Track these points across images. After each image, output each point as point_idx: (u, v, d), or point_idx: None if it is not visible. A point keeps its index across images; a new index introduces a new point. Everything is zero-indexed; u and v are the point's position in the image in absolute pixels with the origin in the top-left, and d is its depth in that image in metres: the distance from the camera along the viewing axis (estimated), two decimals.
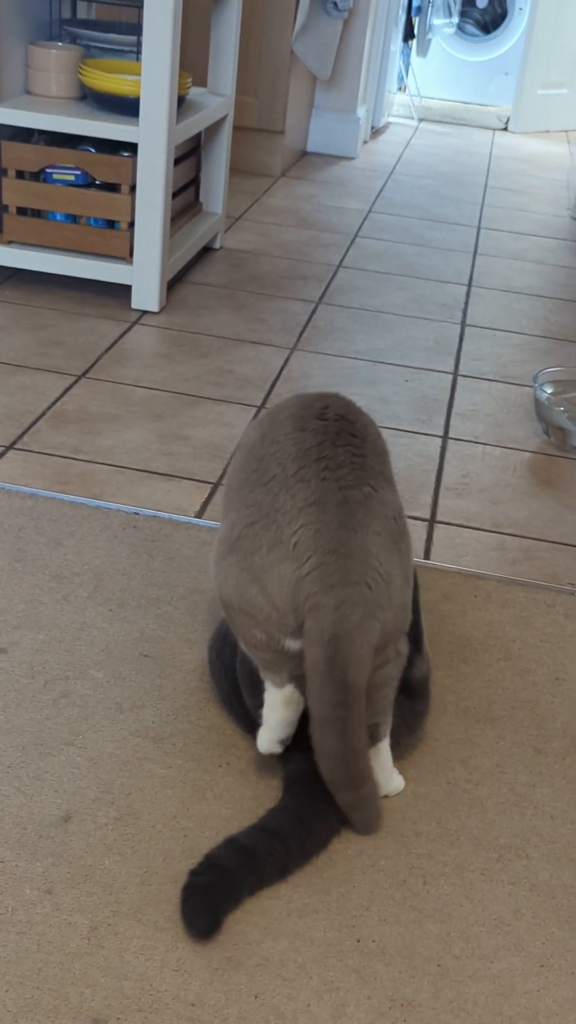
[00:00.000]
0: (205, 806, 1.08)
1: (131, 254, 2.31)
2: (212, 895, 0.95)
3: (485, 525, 1.66)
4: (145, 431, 1.83)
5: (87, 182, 2.28)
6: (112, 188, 2.28)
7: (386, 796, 1.11)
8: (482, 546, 1.60)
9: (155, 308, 2.35)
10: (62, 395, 1.93)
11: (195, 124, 2.40)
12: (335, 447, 1.01)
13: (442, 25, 5.70)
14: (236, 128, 3.78)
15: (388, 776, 1.11)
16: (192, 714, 1.20)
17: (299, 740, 1.06)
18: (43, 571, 1.41)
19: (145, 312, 2.36)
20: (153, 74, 2.13)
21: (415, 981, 0.93)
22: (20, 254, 2.33)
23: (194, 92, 2.66)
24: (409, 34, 5.26)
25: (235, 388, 2.04)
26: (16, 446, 1.73)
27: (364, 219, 3.39)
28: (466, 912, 1.00)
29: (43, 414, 1.85)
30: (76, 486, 1.63)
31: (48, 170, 2.27)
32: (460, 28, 5.98)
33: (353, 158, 4.33)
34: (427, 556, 1.55)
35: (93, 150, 2.28)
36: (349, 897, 1.00)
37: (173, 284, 2.56)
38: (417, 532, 1.61)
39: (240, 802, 1.09)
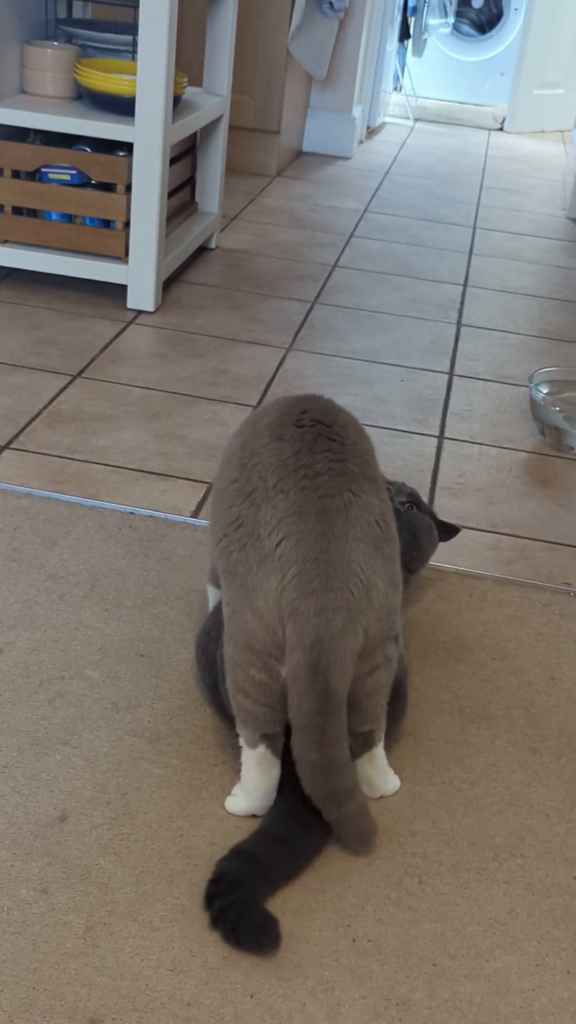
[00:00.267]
0: (201, 806, 1.08)
1: (127, 254, 2.31)
2: (256, 911, 0.94)
3: (481, 525, 1.66)
4: (141, 431, 1.83)
5: (83, 182, 2.28)
6: (108, 188, 2.28)
7: (382, 796, 1.11)
8: (478, 546, 1.60)
9: (151, 308, 2.35)
10: (58, 395, 1.93)
11: (191, 124, 2.40)
12: (313, 454, 1.01)
13: (438, 25, 5.71)
14: (232, 128, 3.78)
15: (384, 778, 1.11)
16: (188, 714, 1.20)
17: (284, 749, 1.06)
18: (39, 571, 1.41)
19: (141, 312, 2.36)
20: (149, 74, 2.13)
21: (410, 980, 0.93)
22: (16, 254, 2.33)
23: (190, 92, 2.66)
24: (405, 34, 5.26)
25: (231, 388, 2.04)
26: (12, 446, 1.73)
27: (360, 219, 3.39)
28: (461, 911, 1.00)
29: (39, 414, 1.85)
30: (72, 486, 1.63)
31: (44, 170, 2.27)
32: (456, 28, 5.98)
33: (349, 158, 4.34)
34: None
35: (89, 150, 2.28)
36: (345, 897, 1.00)
37: (169, 284, 2.56)
38: None
39: None
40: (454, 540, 1.59)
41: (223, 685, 1.11)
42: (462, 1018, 0.90)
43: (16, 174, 2.27)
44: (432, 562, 1.53)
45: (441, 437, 1.95)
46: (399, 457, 1.84)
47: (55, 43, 2.38)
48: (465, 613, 1.43)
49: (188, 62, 3.52)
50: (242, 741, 1.06)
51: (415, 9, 5.25)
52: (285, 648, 0.97)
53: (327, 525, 0.98)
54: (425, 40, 5.55)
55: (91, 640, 1.30)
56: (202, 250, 2.85)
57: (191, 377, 2.07)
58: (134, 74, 2.26)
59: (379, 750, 1.08)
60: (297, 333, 2.36)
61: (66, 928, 0.94)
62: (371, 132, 4.92)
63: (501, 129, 5.51)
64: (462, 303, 2.70)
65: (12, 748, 1.12)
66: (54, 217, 2.31)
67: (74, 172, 2.27)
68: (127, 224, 2.29)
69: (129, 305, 2.35)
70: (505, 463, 1.87)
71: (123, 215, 2.27)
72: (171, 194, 2.51)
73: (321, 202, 3.55)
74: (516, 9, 5.84)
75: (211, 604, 1.25)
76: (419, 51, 5.53)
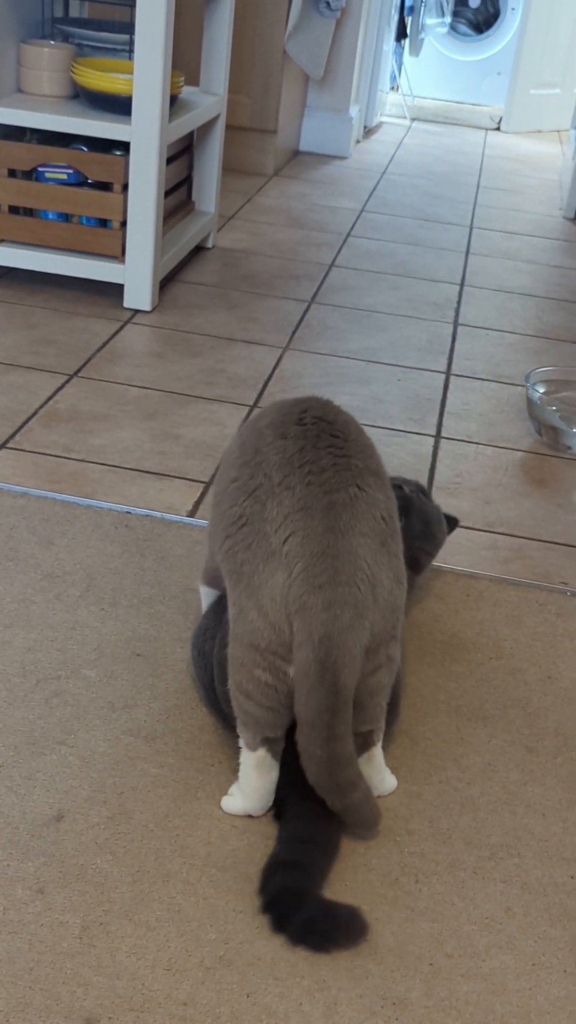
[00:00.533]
0: (197, 805, 1.08)
1: (123, 253, 2.31)
2: (337, 909, 0.95)
3: (477, 524, 1.66)
4: (137, 430, 1.83)
5: (79, 181, 2.28)
6: (104, 187, 2.27)
7: (379, 796, 1.11)
8: (474, 545, 1.60)
9: (147, 307, 2.35)
10: (54, 394, 1.93)
11: (187, 123, 2.40)
12: (317, 450, 1.01)
13: (435, 25, 5.71)
14: (229, 127, 3.77)
15: (381, 777, 1.11)
16: (184, 713, 1.20)
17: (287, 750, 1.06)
18: (35, 570, 1.41)
19: (137, 311, 2.36)
20: (145, 73, 2.12)
21: (407, 980, 0.93)
22: (12, 253, 2.33)
23: (186, 91, 2.66)
24: (402, 34, 5.26)
25: (228, 387, 2.04)
26: (8, 445, 1.73)
27: (357, 218, 3.39)
28: (458, 911, 1.00)
29: (35, 413, 1.85)
30: (68, 485, 1.63)
31: (40, 169, 2.27)
32: (453, 28, 5.98)
33: (346, 157, 4.34)
34: None
35: (85, 149, 2.28)
36: (341, 896, 1.00)
37: (165, 283, 2.56)
38: None
39: None
40: (451, 539, 1.59)
41: (220, 686, 1.11)
42: (459, 1017, 0.90)
43: (12, 173, 2.27)
44: None
45: (438, 437, 1.95)
46: (396, 457, 1.84)
47: (52, 42, 2.38)
48: (462, 612, 1.43)
49: (185, 61, 3.52)
50: (242, 743, 1.06)
51: (412, 8, 5.25)
52: (292, 645, 0.97)
53: (334, 520, 0.97)
54: (422, 40, 5.56)
55: (87, 639, 1.30)
56: (199, 249, 2.85)
57: (188, 376, 2.07)
58: (131, 73, 2.26)
59: (377, 750, 1.08)
60: (294, 333, 2.36)
61: (62, 927, 0.94)
62: (368, 132, 4.92)
63: (498, 129, 5.51)
64: (459, 303, 2.70)
65: (8, 747, 1.12)
66: (51, 216, 2.31)
67: (71, 171, 2.26)
68: (124, 223, 2.29)
69: (126, 304, 2.35)
70: (502, 462, 1.87)
71: (120, 214, 2.27)
72: (168, 193, 2.51)
73: (318, 202, 3.55)
74: (513, 9, 5.84)
75: (204, 604, 1.24)
76: (416, 51, 5.53)
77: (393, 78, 5.50)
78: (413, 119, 5.52)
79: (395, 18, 5.04)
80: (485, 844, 1.07)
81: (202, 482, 1.69)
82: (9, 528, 1.50)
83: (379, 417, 1.99)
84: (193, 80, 3.50)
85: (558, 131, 5.64)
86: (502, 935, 0.98)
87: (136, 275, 2.32)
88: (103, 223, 2.30)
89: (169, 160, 2.47)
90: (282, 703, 1.01)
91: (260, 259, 2.85)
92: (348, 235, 3.19)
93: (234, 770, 1.11)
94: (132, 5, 2.14)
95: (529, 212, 3.77)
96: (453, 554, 1.57)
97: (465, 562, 1.55)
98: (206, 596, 1.24)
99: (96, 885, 0.98)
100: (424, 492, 1.40)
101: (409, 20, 5.27)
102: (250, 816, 1.07)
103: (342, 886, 1.01)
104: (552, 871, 1.05)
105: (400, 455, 1.85)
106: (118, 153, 2.26)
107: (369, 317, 2.51)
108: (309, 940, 0.94)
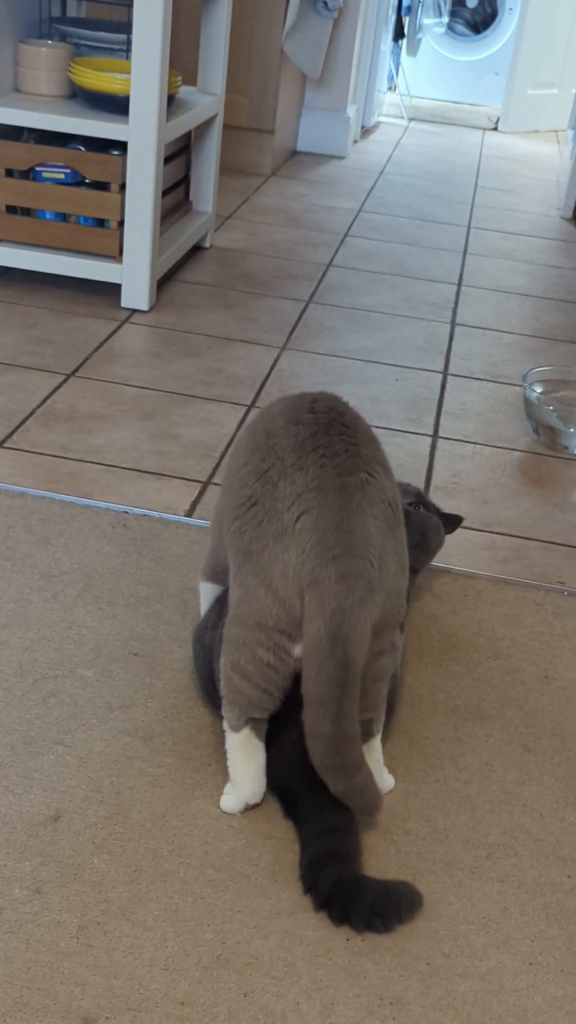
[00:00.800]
0: (194, 804, 1.08)
1: (121, 253, 2.31)
2: (397, 886, 0.98)
3: (475, 524, 1.66)
4: (135, 430, 1.83)
5: (77, 180, 2.28)
6: (102, 187, 2.27)
7: None
8: (472, 545, 1.60)
9: (145, 307, 2.35)
10: (52, 394, 1.93)
11: (185, 123, 2.40)
12: (329, 436, 1.03)
13: (432, 25, 5.71)
14: (226, 127, 3.77)
15: (380, 773, 1.11)
16: (182, 713, 1.20)
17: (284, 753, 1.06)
18: (32, 570, 1.41)
19: (135, 311, 2.36)
20: (143, 72, 2.12)
21: (404, 979, 0.93)
22: (10, 253, 2.33)
23: (184, 91, 2.66)
24: (399, 33, 5.26)
25: (225, 387, 2.04)
26: (6, 445, 1.73)
27: (354, 218, 3.39)
28: (455, 910, 1.00)
29: (33, 413, 1.85)
30: (66, 485, 1.63)
31: (38, 168, 2.27)
32: (450, 28, 5.99)
33: (343, 157, 4.34)
34: None
35: (83, 148, 2.28)
36: None
37: (163, 283, 2.56)
38: None
39: None
40: (449, 539, 1.59)
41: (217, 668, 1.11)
42: (456, 1016, 0.90)
43: (10, 173, 2.27)
44: None
45: (435, 436, 1.95)
46: (394, 456, 1.84)
47: (49, 42, 2.38)
48: (459, 612, 1.43)
49: (182, 61, 3.52)
50: (225, 725, 1.07)
51: (410, 8, 5.25)
52: (303, 620, 0.98)
53: (346, 499, 0.99)
54: (419, 40, 5.56)
55: (85, 639, 1.30)
56: (196, 249, 2.85)
57: (185, 376, 2.07)
58: (128, 73, 2.26)
59: (376, 742, 1.09)
60: (292, 332, 2.36)
61: (59, 927, 0.94)
62: (365, 132, 4.92)
63: (495, 129, 5.51)
64: (456, 302, 2.70)
65: (5, 747, 1.12)
66: (48, 216, 2.31)
67: (68, 171, 2.26)
68: (121, 223, 2.28)
69: (123, 304, 2.35)
70: (499, 462, 1.87)
71: (117, 214, 2.27)
72: (165, 193, 2.51)
73: (316, 201, 3.55)
74: (511, 9, 5.84)
75: (203, 603, 1.24)
76: (413, 51, 5.53)
77: (390, 78, 5.50)
78: (410, 119, 5.52)
79: (392, 18, 5.04)
80: (482, 843, 1.07)
81: (200, 482, 1.69)
82: (6, 528, 1.50)
83: (376, 417, 1.99)
84: (191, 80, 3.50)
85: (555, 131, 5.65)
86: (499, 934, 0.98)
87: (134, 275, 2.32)
88: (100, 223, 2.30)
89: (167, 160, 2.47)
90: (277, 685, 1.02)
91: (258, 259, 2.85)
92: (346, 235, 3.19)
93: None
94: (129, 5, 2.14)
95: (526, 212, 3.77)
96: (451, 554, 1.57)
97: (463, 562, 1.55)
98: (205, 594, 1.24)
99: (93, 885, 0.98)
100: (423, 501, 1.40)
101: (407, 20, 5.27)
102: (248, 807, 1.07)
103: None
104: (549, 870, 1.05)
105: (398, 455, 1.85)
106: (115, 153, 2.26)
107: (367, 317, 2.52)
108: (377, 924, 0.96)
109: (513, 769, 1.17)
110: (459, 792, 1.13)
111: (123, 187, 2.26)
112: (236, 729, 1.06)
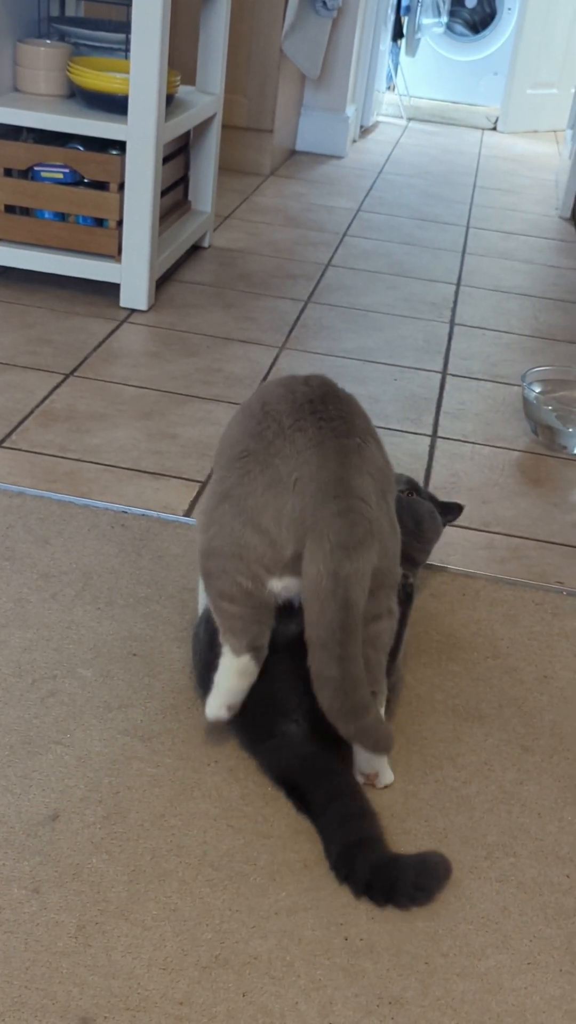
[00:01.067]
0: (193, 804, 1.08)
1: (120, 252, 2.31)
2: (427, 857, 1.01)
3: (474, 524, 1.66)
4: (134, 430, 1.83)
5: (76, 180, 2.28)
6: (101, 186, 2.27)
7: (378, 787, 1.11)
8: (471, 545, 1.60)
9: (144, 307, 2.35)
10: (50, 393, 1.93)
11: (184, 122, 2.40)
12: (325, 404, 1.06)
13: (431, 24, 5.71)
14: (225, 127, 3.77)
15: (380, 764, 1.11)
16: (180, 713, 1.19)
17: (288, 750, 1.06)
18: (31, 569, 1.41)
19: (134, 310, 2.35)
20: (142, 72, 2.12)
21: (403, 979, 0.93)
22: (8, 252, 2.32)
23: (183, 90, 2.66)
24: (398, 33, 5.26)
25: (224, 387, 2.04)
26: (4, 444, 1.73)
27: (353, 218, 3.39)
28: (454, 910, 1.00)
29: (31, 412, 1.85)
30: (64, 484, 1.63)
31: (36, 168, 2.27)
32: (449, 28, 5.99)
33: (342, 157, 4.34)
34: None
35: (82, 148, 2.28)
36: (337, 895, 1.00)
37: (162, 283, 2.56)
38: None
39: (228, 800, 1.08)
40: (448, 539, 1.59)
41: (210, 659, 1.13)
42: (454, 1016, 0.90)
43: (9, 172, 2.27)
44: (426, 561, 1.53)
45: (434, 436, 1.95)
46: (392, 456, 1.84)
47: (48, 41, 2.38)
48: (458, 612, 1.43)
49: (181, 61, 3.52)
50: (226, 650, 1.08)
51: (408, 8, 5.25)
52: (288, 563, 1.00)
53: (344, 457, 1.02)
54: (418, 39, 5.56)
55: (83, 639, 1.30)
56: (195, 249, 2.85)
57: (184, 376, 2.07)
58: (127, 72, 2.26)
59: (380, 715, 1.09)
60: (290, 332, 2.36)
61: (58, 927, 0.94)
62: (364, 131, 4.92)
63: (494, 129, 5.51)
64: (455, 302, 2.70)
65: (4, 747, 1.12)
66: (47, 216, 2.31)
67: (67, 171, 2.26)
68: (120, 223, 2.28)
69: (122, 304, 2.35)
70: (498, 462, 1.87)
71: (116, 214, 2.27)
72: (164, 193, 2.51)
73: (314, 201, 3.55)
74: (509, 9, 5.84)
75: (202, 601, 1.24)
76: (412, 50, 5.53)
77: (389, 78, 5.50)
78: (409, 119, 5.52)
79: (391, 18, 5.04)
80: (481, 843, 1.07)
81: (198, 481, 1.69)
82: (5, 527, 1.50)
83: (375, 416, 1.99)
84: (189, 79, 3.50)
85: (554, 131, 5.65)
86: (498, 934, 0.98)
87: (132, 274, 2.31)
88: (99, 222, 2.30)
89: (165, 159, 2.47)
90: (263, 610, 1.06)
91: (257, 258, 2.85)
92: (344, 235, 3.19)
93: (230, 769, 1.11)
94: (128, 4, 2.14)
95: (525, 212, 3.77)
96: (449, 553, 1.57)
97: (461, 561, 1.55)
98: (204, 593, 1.24)
99: (92, 884, 0.98)
100: (417, 489, 1.41)
101: (405, 20, 5.28)
102: (229, 710, 1.08)
103: (338, 886, 1.01)
104: (548, 870, 1.05)
105: (396, 455, 1.85)
106: (114, 152, 2.26)
107: (365, 317, 2.51)
108: (419, 896, 0.98)
109: (512, 769, 1.17)
110: (458, 792, 1.13)
111: (122, 187, 2.26)
112: (238, 654, 1.08)
